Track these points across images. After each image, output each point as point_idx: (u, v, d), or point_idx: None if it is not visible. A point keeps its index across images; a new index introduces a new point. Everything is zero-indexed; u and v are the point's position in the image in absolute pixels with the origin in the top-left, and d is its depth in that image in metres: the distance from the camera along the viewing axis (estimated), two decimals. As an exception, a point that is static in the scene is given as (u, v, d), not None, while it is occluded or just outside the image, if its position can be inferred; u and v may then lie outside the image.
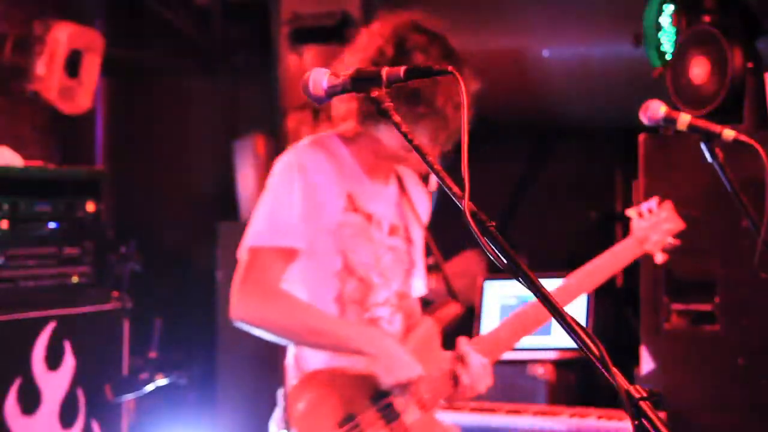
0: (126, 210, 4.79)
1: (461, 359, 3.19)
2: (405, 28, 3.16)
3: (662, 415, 4.09)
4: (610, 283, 5.39)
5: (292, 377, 3.17)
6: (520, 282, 1.91)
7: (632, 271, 4.61)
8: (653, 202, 3.72)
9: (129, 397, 4.30)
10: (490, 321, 4.78)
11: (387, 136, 3.14)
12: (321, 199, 3.12)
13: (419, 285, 3.40)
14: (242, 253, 3.11)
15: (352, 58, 3.15)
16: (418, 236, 3.38)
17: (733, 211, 3.20)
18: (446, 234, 4.67)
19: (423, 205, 3.43)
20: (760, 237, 3.22)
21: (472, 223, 1.92)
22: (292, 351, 3.19)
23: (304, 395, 3.04)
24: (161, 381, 4.25)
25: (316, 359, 3.15)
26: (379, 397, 3.08)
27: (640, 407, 1.69)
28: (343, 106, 3.16)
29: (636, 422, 1.68)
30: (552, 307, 1.87)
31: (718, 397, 4.16)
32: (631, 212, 3.71)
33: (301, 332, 3.09)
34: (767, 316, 4.01)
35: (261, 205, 3.14)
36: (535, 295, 1.88)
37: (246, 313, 3.07)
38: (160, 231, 5.86)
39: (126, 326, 4.37)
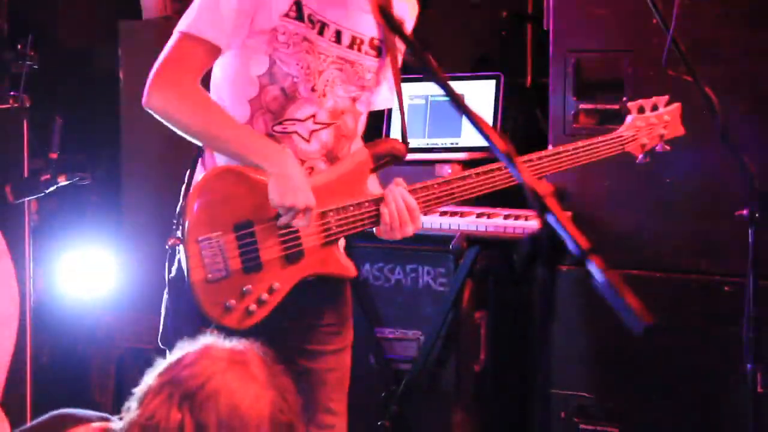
0: (22, 4, 4.60)
1: (387, 198, 3.09)
2: None
3: (568, 213, 4.15)
4: (520, 83, 5.39)
5: (199, 171, 3.10)
6: (428, 79, 1.87)
7: (541, 70, 4.60)
8: (662, 99, 3.53)
9: (30, 198, 4.23)
10: (394, 121, 4.75)
11: None
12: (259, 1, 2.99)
13: (384, 98, 3.27)
14: (173, 34, 3.00)
15: None
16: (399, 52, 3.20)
17: (643, 10, 3.17)
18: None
19: (406, 15, 3.28)
20: (669, 35, 3.21)
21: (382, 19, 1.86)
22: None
23: (208, 189, 2.97)
24: (63, 182, 4.17)
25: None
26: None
27: (545, 203, 1.69)
28: None
29: (541, 217, 1.69)
30: (460, 105, 1.85)
31: (623, 194, 4.23)
32: (631, 105, 3.55)
33: (206, 133, 3.00)
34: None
35: None
36: (444, 92, 1.85)
37: (158, 103, 2.97)
38: (59, 28, 5.67)
39: (25, 126, 4.27)
